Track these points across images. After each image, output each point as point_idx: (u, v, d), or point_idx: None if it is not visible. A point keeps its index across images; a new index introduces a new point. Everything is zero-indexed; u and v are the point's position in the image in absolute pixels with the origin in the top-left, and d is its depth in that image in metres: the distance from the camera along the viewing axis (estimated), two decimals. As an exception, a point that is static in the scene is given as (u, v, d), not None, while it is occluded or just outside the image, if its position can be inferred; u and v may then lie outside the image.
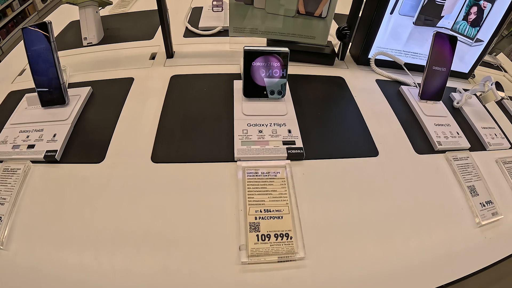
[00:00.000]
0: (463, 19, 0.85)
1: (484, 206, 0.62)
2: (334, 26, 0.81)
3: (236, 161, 0.54)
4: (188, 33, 0.99)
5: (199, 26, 1.00)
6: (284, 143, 0.55)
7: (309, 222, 0.48)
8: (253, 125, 0.59)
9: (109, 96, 0.67)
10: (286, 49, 0.60)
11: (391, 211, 0.55)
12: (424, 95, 0.77)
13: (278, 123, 0.60)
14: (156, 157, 0.55)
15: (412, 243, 0.52)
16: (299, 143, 0.56)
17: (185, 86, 0.71)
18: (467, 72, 0.99)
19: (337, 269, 0.46)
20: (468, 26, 0.87)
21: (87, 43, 0.85)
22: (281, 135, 0.57)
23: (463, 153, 0.70)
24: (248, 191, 0.48)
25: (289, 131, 0.58)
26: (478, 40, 0.91)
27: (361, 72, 0.86)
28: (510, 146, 0.81)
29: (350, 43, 0.87)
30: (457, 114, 0.82)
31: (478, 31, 0.88)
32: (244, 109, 0.63)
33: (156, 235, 0.46)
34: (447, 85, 0.91)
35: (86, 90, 0.66)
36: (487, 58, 1.23)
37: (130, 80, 0.71)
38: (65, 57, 0.79)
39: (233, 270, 0.42)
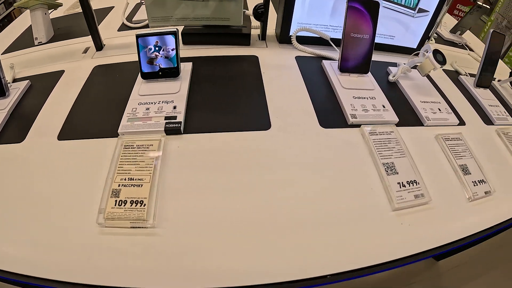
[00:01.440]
0: (395, -14, 0.75)
1: (404, 186, 0.50)
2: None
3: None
4: (123, 27, 0.97)
5: (133, 19, 0.99)
6: (166, 118, 0.54)
7: (170, 191, 0.47)
8: (143, 103, 0.58)
9: (42, 88, 0.71)
10: (174, 29, 0.59)
11: (269, 182, 0.50)
12: (345, 67, 0.66)
13: (166, 101, 0.58)
14: (63, 135, 0.56)
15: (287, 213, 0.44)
16: (180, 118, 0.54)
17: (103, 75, 0.71)
18: (415, 47, 0.87)
19: (189, 238, 0.43)
20: (404, -7, 0.76)
21: (38, 43, 0.91)
22: (165, 111, 0.56)
23: (385, 127, 0.58)
24: (119, 162, 0.49)
25: (174, 107, 0.57)
26: (422, 10, 0.80)
27: (281, 50, 0.78)
28: (458, 122, 0.69)
29: (276, 22, 0.78)
30: (393, 88, 0.71)
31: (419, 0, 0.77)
32: (140, 90, 0.61)
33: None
34: (392, 61, 0.81)
35: (24, 84, 0.71)
36: (451, 36, 1.11)
37: (61, 73, 0.74)
38: (18, 56, 0.85)
39: (91, 231, 0.43)
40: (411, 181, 0.51)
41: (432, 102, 0.69)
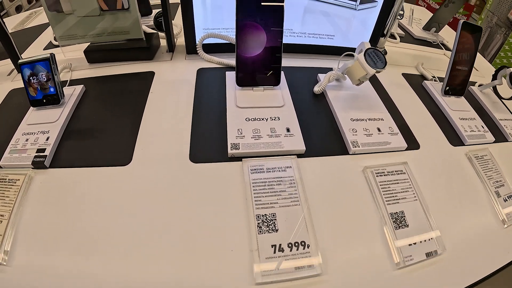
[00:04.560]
0: (324, -31, 0.56)
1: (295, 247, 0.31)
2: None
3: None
4: (50, 45, 0.84)
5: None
6: (37, 150, 0.45)
7: (25, 231, 0.37)
8: (26, 133, 0.48)
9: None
10: (47, 56, 0.50)
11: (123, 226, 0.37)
12: (243, 81, 0.47)
13: (43, 131, 0.48)
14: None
15: None
16: (47, 151, 0.45)
17: (16, 99, 0.58)
18: (365, 48, 0.66)
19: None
20: (338, -21, 0.57)
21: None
22: (39, 143, 0.46)
23: (284, 160, 0.39)
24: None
25: (47, 139, 0.47)
26: (367, 1, 0.60)
27: (185, 63, 0.61)
28: (406, 146, 0.49)
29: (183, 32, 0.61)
30: (317, 102, 0.52)
31: (361, -13, 0.57)
32: (28, 119, 0.50)
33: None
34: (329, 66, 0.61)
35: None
36: (423, 34, 0.89)
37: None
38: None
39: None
40: (300, 242, 0.32)
41: (368, 119, 0.49)
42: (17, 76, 0.65)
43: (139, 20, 0.57)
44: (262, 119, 0.44)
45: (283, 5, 0.44)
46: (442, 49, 0.85)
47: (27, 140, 0.46)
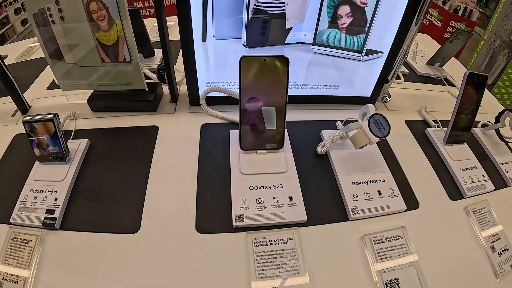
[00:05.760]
0: (329, 27, 0.55)
1: None
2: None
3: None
4: (53, 85, 0.81)
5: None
6: (47, 211, 0.45)
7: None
8: (34, 191, 0.47)
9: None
10: (50, 116, 0.48)
11: None
12: (247, 145, 0.48)
13: (51, 190, 0.47)
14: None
15: None
16: (57, 213, 0.44)
17: (22, 145, 0.57)
18: (369, 95, 0.66)
19: None
20: (343, 35, 0.56)
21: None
22: (47, 203, 0.46)
23: (282, 232, 0.40)
24: (6, 254, 0.42)
25: (56, 199, 0.46)
26: (372, 52, 0.60)
27: (189, 116, 0.61)
28: (405, 208, 0.49)
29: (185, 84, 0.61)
30: (320, 163, 0.52)
31: (365, 39, 0.56)
32: (35, 175, 0.49)
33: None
34: (333, 118, 0.61)
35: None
36: (427, 70, 0.87)
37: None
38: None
39: None
40: None
41: (370, 181, 0.49)
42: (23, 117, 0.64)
43: (141, 72, 0.57)
44: (266, 187, 0.44)
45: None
46: (446, 85, 0.84)
47: (35, 198, 0.46)
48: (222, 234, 0.41)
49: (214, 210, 0.43)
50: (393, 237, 0.46)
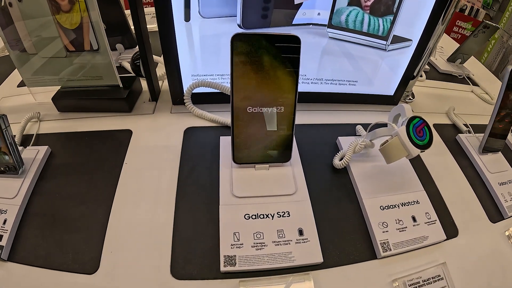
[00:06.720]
0: (350, 4, 0.42)
1: None
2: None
3: None
4: (23, 82, 0.70)
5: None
6: None
7: None
8: None
9: None
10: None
11: None
12: (240, 159, 0.35)
13: (0, 209, 0.36)
14: None
15: None
16: (4, 240, 0.34)
17: None
18: (392, 93, 0.54)
19: None
20: (367, 16, 0.44)
21: None
22: None
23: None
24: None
25: (4, 222, 0.35)
26: (400, 40, 0.48)
27: (170, 118, 0.49)
28: (444, 238, 0.37)
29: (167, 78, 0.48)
30: (339, 179, 0.40)
31: (393, 22, 0.44)
32: None
33: None
34: (351, 121, 0.49)
35: None
36: (448, 67, 0.76)
37: None
38: None
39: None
40: None
41: (401, 204, 0.38)
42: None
43: (112, 63, 0.45)
44: (267, 216, 0.32)
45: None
46: (469, 84, 0.73)
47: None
48: (206, 282, 0.29)
49: (196, 248, 0.31)
50: (432, 278, 0.35)
